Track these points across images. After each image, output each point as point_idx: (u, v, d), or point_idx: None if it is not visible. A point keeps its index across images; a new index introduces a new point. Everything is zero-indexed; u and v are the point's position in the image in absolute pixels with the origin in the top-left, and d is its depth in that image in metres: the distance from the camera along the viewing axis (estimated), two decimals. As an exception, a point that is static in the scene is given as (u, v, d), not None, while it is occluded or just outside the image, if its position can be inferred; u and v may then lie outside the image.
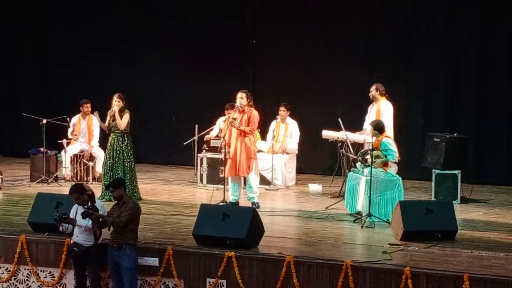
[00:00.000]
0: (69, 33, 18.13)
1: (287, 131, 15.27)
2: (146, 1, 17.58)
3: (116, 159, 13.49)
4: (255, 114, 13.02)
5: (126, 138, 13.59)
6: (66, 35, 18.17)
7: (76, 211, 10.45)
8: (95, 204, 10.22)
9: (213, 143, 15.16)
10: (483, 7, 15.42)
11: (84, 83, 17.86)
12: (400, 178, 12.49)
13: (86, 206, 10.14)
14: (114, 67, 17.81)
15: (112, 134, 13.61)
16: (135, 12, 17.63)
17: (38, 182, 14.91)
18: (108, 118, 13.55)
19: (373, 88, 13.93)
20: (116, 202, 10.37)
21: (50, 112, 16.03)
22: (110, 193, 13.00)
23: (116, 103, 13.48)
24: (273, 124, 15.39)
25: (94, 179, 15.01)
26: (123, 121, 13.48)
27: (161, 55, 17.61)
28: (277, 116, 15.32)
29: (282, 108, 15.29)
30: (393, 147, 12.52)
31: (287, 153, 15.28)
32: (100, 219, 10.09)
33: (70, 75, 18.16)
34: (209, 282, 10.29)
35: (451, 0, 15.64)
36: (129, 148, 13.59)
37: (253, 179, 13.08)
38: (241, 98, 13.00)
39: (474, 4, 15.48)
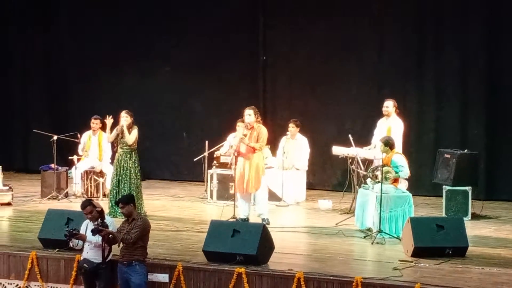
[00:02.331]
0: (81, 50, 18.21)
1: (297, 147, 15.26)
2: (157, 17, 17.64)
3: (123, 176, 13.49)
4: (264, 131, 13.01)
5: (133, 155, 13.60)
6: (79, 52, 18.24)
7: (86, 227, 10.46)
8: (105, 221, 10.23)
9: (223, 159, 15.16)
10: (491, 24, 15.42)
11: (96, 99, 17.90)
12: (410, 194, 12.47)
13: (96, 223, 10.15)
14: (125, 83, 17.87)
15: (119, 150, 13.62)
16: (146, 28, 17.69)
17: (49, 199, 14.93)
18: (115, 133, 13.57)
19: (390, 103, 13.87)
20: (125, 218, 10.37)
21: (62, 128, 16.07)
22: (119, 210, 13.16)
23: (125, 118, 13.52)
24: (283, 140, 15.39)
25: (104, 195, 15.01)
26: (132, 136, 13.50)
27: (172, 72, 17.66)
28: (287, 132, 15.33)
29: (291, 125, 15.30)
30: (404, 163, 12.50)
31: (297, 169, 15.27)
32: (110, 236, 10.09)
33: (83, 91, 18.22)
34: (219, 298, 10.29)
35: (461, 17, 15.64)
36: (136, 165, 13.59)
37: (262, 196, 13.06)
38: (249, 115, 12.98)
39: (483, 20, 15.47)
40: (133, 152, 13.58)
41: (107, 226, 10.13)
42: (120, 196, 12.96)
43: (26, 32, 18.54)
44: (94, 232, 10.04)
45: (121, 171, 13.48)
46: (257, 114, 13.05)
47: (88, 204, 10.47)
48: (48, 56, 18.53)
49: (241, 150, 12.98)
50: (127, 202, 10.30)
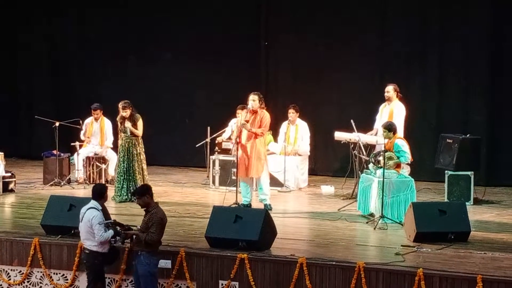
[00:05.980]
0: (84, 36, 18.23)
1: (297, 132, 15.26)
2: (160, 4, 17.61)
3: (134, 162, 13.61)
4: (267, 116, 13.01)
5: (140, 141, 13.76)
6: (82, 38, 18.25)
7: (84, 213, 10.33)
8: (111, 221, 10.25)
9: (225, 145, 15.18)
10: (494, 8, 15.38)
11: (98, 86, 17.91)
12: (412, 179, 12.47)
13: (108, 221, 10.12)
14: (128, 70, 17.87)
15: (126, 138, 13.68)
16: (149, 15, 17.66)
17: (51, 185, 14.94)
18: (119, 124, 13.70)
19: (391, 88, 13.84)
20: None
21: (65, 115, 16.08)
22: (126, 194, 13.23)
23: (124, 112, 13.61)
24: (284, 126, 15.39)
25: (106, 181, 15.02)
26: (139, 129, 13.70)
27: (174, 58, 17.65)
28: (289, 118, 15.31)
29: (291, 110, 15.28)
30: (406, 148, 12.49)
31: (299, 155, 15.27)
32: (134, 237, 10.05)
33: (86, 78, 18.22)
34: (222, 284, 10.30)
35: (465, 2, 15.61)
36: (143, 150, 13.79)
37: (264, 181, 13.07)
38: (253, 101, 12.99)
39: (486, 4, 15.44)
40: (139, 138, 13.74)
41: (130, 229, 10.11)
42: (129, 182, 13.39)
43: (31, 19, 18.52)
44: (117, 236, 10.00)
45: (131, 157, 13.58)
46: (261, 100, 13.06)
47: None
48: (52, 43, 18.51)
49: (242, 135, 12.99)
50: (142, 193, 10.13)
